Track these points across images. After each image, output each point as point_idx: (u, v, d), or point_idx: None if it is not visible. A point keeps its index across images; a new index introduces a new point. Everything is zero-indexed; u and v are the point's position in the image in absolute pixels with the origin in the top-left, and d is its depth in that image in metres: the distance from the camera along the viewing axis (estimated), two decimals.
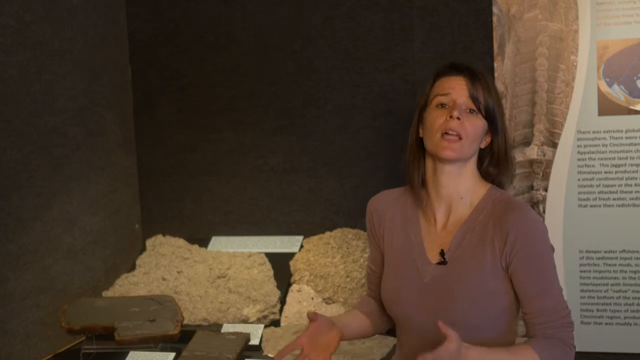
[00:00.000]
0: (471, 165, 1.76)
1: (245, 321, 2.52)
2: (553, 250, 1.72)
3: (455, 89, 1.72)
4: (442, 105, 1.72)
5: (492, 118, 1.74)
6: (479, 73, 1.75)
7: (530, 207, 1.76)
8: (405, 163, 1.82)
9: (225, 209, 2.98)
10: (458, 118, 1.68)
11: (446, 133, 1.68)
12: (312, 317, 1.71)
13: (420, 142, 1.79)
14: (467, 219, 1.74)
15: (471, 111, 1.71)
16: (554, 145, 2.54)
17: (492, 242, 1.69)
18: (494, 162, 1.78)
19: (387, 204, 1.87)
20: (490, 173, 1.79)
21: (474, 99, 1.71)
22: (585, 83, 2.49)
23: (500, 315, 1.70)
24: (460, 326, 1.67)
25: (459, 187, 1.75)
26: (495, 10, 2.56)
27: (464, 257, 1.71)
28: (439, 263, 1.73)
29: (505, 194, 1.78)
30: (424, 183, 1.80)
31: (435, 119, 1.71)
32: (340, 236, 2.77)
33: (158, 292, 2.66)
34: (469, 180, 1.76)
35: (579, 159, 2.52)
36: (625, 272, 2.50)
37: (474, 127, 1.70)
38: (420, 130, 1.78)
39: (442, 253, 1.74)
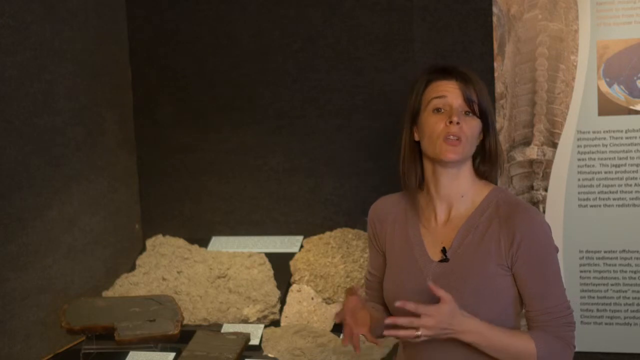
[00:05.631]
0: (468, 165, 1.78)
1: (245, 321, 2.52)
2: (557, 250, 1.74)
3: (451, 93, 1.74)
4: (438, 110, 1.74)
5: (485, 117, 1.77)
6: (470, 73, 1.77)
7: (537, 209, 1.77)
8: (400, 167, 1.83)
9: (225, 209, 2.98)
10: (458, 123, 1.70)
11: (448, 137, 1.70)
12: (353, 291, 1.73)
13: (414, 144, 1.80)
14: (469, 217, 1.76)
15: (467, 113, 1.74)
16: (554, 145, 2.54)
17: (497, 241, 1.71)
18: (485, 159, 1.80)
19: (387, 208, 1.89)
20: (483, 170, 1.81)
21: (469, 101, 1.74)
22: (585, 83, 2.49)
23: (504, 311, 1.72)
24: None
25: (459, 186, 1.77)
26: (495, 10, 2.56)
27: (466, 254, 1.72)
28: (440, 261, 1.75)
29: (510, 194, 1.81)
30: (421, 184, 1.82)
31: (435, 125, 1.73)
32: (340, 236, 2.77)
33: (158, 292, 2.66)
34: (468, 179, 1.78)
35: (579, 159, 2.52)
36: (625, 272, 2.50)
37: (472, 128, 1.74)
38: (416, 134, 1.80)
39: (443, 250, 1.75)
